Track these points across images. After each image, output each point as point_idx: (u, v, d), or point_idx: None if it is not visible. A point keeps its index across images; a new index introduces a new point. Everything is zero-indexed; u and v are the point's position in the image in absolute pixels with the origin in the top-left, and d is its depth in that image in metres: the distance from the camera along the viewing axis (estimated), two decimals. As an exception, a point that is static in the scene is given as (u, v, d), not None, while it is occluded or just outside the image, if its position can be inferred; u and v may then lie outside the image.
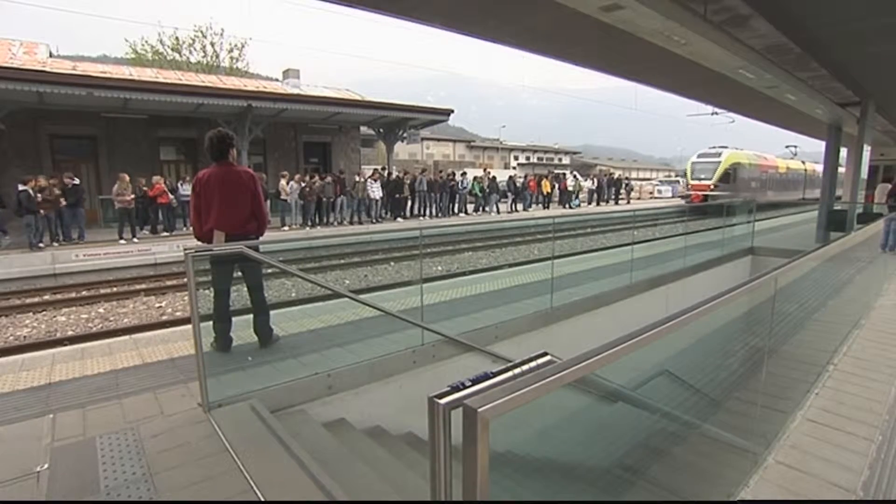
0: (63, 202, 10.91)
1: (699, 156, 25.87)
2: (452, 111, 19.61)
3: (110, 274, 10.04)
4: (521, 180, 22.62)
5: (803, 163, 33.32)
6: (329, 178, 15.47)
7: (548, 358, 1.12)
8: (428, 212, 17.95)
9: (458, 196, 18.88)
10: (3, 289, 8.56)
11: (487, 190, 19.55)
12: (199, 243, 3.53)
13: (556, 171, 31.59)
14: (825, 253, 3.49)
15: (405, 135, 19.81)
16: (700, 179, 24.52)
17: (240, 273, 3.59)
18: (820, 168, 33.40)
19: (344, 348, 3.71)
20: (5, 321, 6.93)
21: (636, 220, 12.22)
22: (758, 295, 2.26)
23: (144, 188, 12.60)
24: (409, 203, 17.50)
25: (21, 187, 10.11)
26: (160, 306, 7.87)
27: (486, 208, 19.77)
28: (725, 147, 25.54)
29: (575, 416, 1.60)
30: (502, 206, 20.74)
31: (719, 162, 24.45)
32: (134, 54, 29.30)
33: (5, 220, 11.14)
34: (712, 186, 23.59)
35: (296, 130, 18.88)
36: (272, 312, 3.93)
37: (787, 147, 32.04)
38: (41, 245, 10.38)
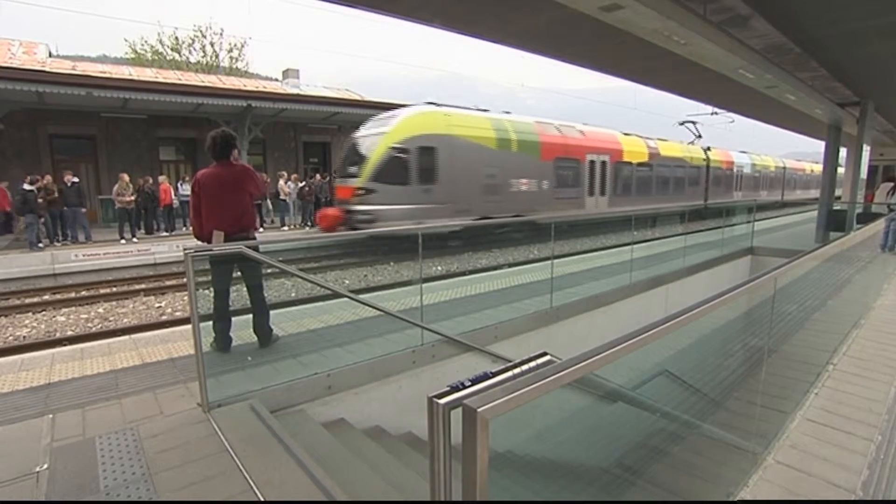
0: (61, 202, 10.91)
1: (364, 128, 12.49)
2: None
3: (109, 274, 10.03)
4: None
5: (708, 150, 22.16)
6: (328, 178, 15.48)
7: (547, 358, 1.12)
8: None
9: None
10: (2, 288, 8.56)
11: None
12: (199, 243, 3.53)
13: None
14: (825, 253, 3.49)
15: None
16: (346, 179, 11.78)
17: (239, 273, 3.60)
18: (774, 162, 28.58)
19: (343, 348, 3.71)
20: (5, 321, 6.93)
21: (636, 220, 12.20)
22: (757, 295, 2.26)
23: (152, 188, 12.62)
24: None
25: (28, 187, 10.11)
26: (160, 306, 7.86)
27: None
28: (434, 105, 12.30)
29: (575, 416, 1.61)
30: None
31: (383, 135, 11.39)
32: (133, 54, 29.29)
33: (10, 219, 11.18)
34: (356, 192, 11.10)
35: (295, 130, 18.89)
36: (272, 312, 3.92)
37: (682, 123, 22.36)
38: (41, 245, 10.38)
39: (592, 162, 15.94)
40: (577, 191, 15.55)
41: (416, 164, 11.25)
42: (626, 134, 17.96)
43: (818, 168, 35.79)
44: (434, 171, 11.52)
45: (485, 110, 13.79)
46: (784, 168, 30.38)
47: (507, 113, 14.38)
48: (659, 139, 19.72)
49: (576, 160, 15.41)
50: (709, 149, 22.58)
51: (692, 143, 22.41)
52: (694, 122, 22.69)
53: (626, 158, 17.34)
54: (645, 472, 1.92)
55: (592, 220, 15.67)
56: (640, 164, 17.97)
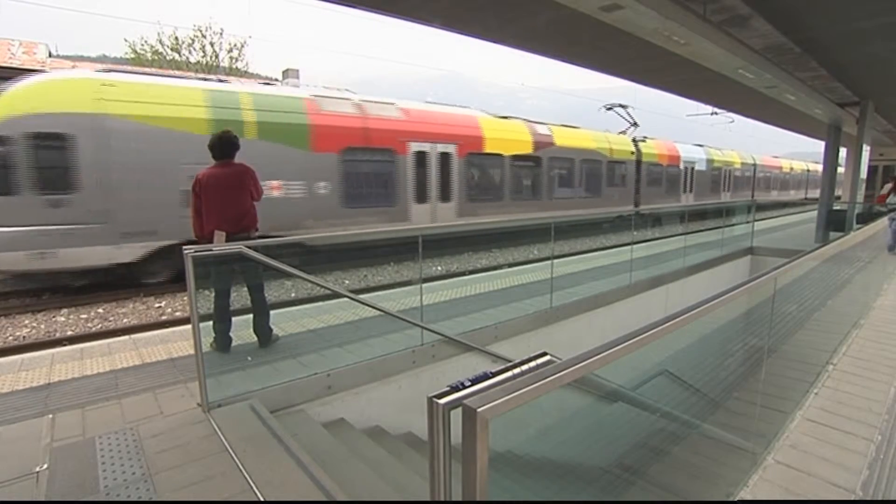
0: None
1: None
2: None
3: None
4: None
5: (639, 141, 17.63)
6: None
7: (547, 358, 1.12)
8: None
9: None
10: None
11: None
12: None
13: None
14: (825, 253, 3.49)
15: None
16: None
17: (240, 273, 3.60)
18: (740, 157, 23.70)
19: (343, 348, 3.71)
20: (4, 321, 6.92)
21: (635, 221, 12.19)
22: (757, 295, 2.26)
23: None
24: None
25: None
26: (160, 306, 7.86)
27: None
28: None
29: (574, 416, 1.60)
30: None
31: None
32: (133, 54, 29.27)
33: None
34: None
35: None
36: (272, 312, 3.93)
37: (609, 108, 18.06)
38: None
39: (421, 155, 11.07)
40: (390, 197, 10.73)
41: (27, 161, 7.16)
42: (502, 117, 13.56)
43: (799, 165, 33.01)
44: (72, 173, 7.40)
45: (205, 79, 9.97)
46: (754, 165, 26.18)
47: (272, 83, 11.04)
48: (563, 125, 15.27)
49: (385, 152, 10.53)
50: (643, 139, 18.01)
51: (624, 132, 17.79)
52: (624, 106, 18.00)
53: (489, 149, 12.30)
54: (645, 472, 1.92)
55: (593, 219, 15.49)
56: (517, 158, 13.06)
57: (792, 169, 31.27)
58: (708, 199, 21.45)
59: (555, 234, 5.56)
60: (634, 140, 17.53)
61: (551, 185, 14.25)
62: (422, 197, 11.35)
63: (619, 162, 16.56)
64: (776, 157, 30.78)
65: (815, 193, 31.91)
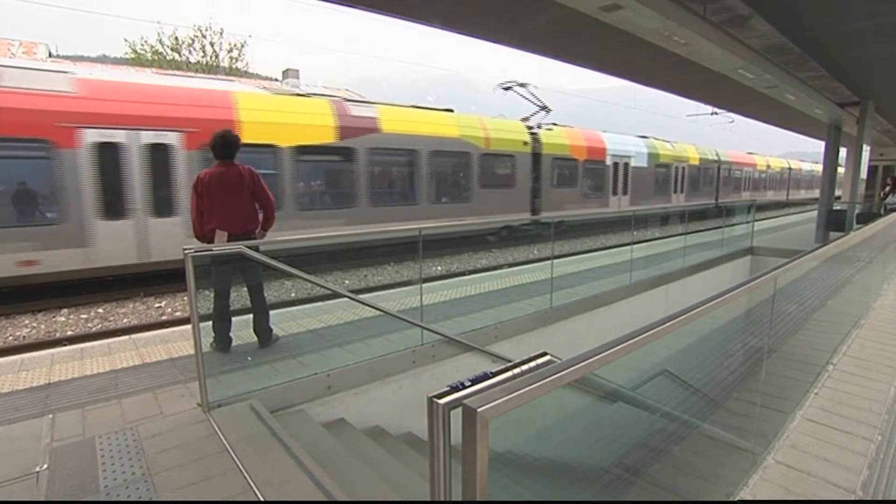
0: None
1: None
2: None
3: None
4: None
5: (535, 127, 13.80)
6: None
7: (547, 358, 1.12)
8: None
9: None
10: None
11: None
12: (199, 243, 3.54)
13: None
14: (825, 253, 3.50)
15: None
16: None
17: (240, 273, 3.60)
18: (697, 152, 20.14)
19: (343, 348, 3.71)
20: (4, 321, 6.92)
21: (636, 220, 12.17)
22: (757, 295, 2.26)
23: None
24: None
25: None
26: (160, 306, 7.86)
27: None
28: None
29: (574, 416, 1.61)
30: None
31: None
32: (133, 54, 29.28)
33: None
34: None
35: (293, 130, 18.63)
36: (272, 312, 3.93)
37: (507, 88, 14.10)
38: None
39: (110, 148, 7.41)
40: (43, 213, 7.24)
41: None
42: (301, 95, 10.19)
43: (778, 163, 29.02)
44: None
45: None
46: (718, 161, 22.15)
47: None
48: (413, 106, 11.72)
49: (27, 144, 6.92)
50: (551, 128, 14.26)
51: (526, 119, 14.17)
52: (524, 85, 14.07)
53: (251, 138, 8.23)
54: (645, 472, 1.92)
55: (593, 220, 15.32)
56: (306, 151, 9.20)
57: (769, 167, 27.40)
58: (652, 202, 17.53)
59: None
60: (531, 127, 13.66)
61: (371, 188, 10.23)
62: (113, 211, 7.50)
63: (501, 155, 12.54)
64: (751, 153, 27.06)
65: (797, 195, 30.50)
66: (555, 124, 14.71)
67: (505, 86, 14.15)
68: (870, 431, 2.62)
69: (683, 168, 19.63)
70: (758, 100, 9.81)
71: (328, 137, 9.53)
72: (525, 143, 13.15)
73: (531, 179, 13.38)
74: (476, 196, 12.08)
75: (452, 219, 11.41)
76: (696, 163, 20.56)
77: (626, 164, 16.58)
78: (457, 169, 11.94)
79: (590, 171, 15.36)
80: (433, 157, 11.20)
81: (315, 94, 10.55)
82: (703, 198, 20.95)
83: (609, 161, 15.94)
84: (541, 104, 14.36)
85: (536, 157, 13.44)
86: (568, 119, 16.13)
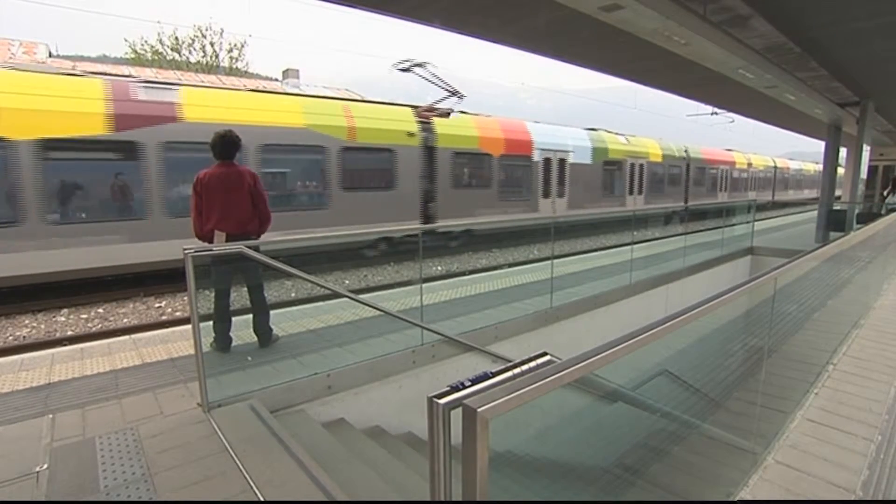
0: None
1: None
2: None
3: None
4: None
5: (426, 114, 11.29)
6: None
7: (547, 358, 1.12)
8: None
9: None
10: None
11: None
12: (200, 243, 3.54)
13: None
14: (825, 253, 3.50)
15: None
16: None
17: (240, 273, 3.60)
18: (660, 147, 18.05)
19: (343, 348, 3.71)
20: (4, 321, 6.92)
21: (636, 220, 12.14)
22: (757, 295, 2.26)
23: None
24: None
25: None
26: (160, 306, 7.86)
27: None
28: None
29: (575, 416, 1.61)
30: None
31: None
32: (133, 54, 29.29)
33: None
34: None
35: (293, 130, 18.53)
36: (272, 312, 3.93)
37: (404, 70, 11.38)
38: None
39: None
40: None
41: None
42: (69, 74, 7.94)
43: (762, 161, 26.14)
44: None
45: None
46: (687, 158, 19.47)
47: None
48: (228, 89, 9.92)
49: None
50: (454, 115, 11.88)
51: (434, 105, 11.70)
52: (421, 65, 11.38)
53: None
54: (645, 472, 1.92)
55: (593, 220, 15.22)
56: (54, 147, 6.94)
57: (750, 165, 24.83)
58: (599, 205, 15.30)
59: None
60: (420, 114, 11.25)
61: (168, 194, 7.89)
62: None
63: (373, 150, 10.16)
64: (729, 149, 24.41)
65: (783, 196, 29.17)
66: (464, 112, 12.40)
67: (401, 67, 11.51)
68: (870, 431, 2.62)
69: (641, 165, 17.16)
70: (758, 100, 9.81)
71: (95, 128, 7.22)
72: (410, 135, 10.72)
73: (422, 179, 11.00)
74: (335, 201, 9.70)
75: (297, 231, 8.25)
76: (658, 160, 18.03)
77: (563, 161, 14.14)
78: (304, 167, 9.59)
79: (509, 168, 12.89)
80: (265, 152, 8.71)
81: (89, 74, 8.20)
82: (668, 200, 18.60)
83: (537, 157, 13.43)
84: (451, 89, 11.71)
85: (429, 151, 11.07)
86: (568, 119, 15.48)
